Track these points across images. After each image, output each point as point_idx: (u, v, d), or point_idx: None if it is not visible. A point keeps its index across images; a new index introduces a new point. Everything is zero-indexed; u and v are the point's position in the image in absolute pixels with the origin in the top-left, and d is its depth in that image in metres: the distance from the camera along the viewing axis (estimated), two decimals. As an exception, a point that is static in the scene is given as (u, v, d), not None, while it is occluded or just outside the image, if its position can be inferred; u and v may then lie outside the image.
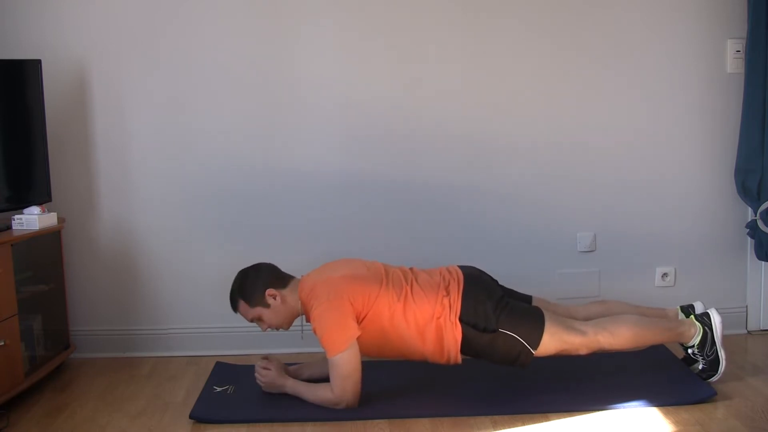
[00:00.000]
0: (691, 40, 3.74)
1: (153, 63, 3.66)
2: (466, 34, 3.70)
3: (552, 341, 2.99)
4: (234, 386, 3.30)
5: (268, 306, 3.09)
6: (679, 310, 3.27)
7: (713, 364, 3.14)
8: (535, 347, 2.98)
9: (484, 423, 2.90)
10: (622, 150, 3.79)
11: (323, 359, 3.08)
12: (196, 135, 3.70)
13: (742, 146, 3.68)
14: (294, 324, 3.18)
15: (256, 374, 3.19)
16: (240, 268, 3.17)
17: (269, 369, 3.17)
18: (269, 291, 3.08)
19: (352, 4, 3.66)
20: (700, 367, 3.17)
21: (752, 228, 3.73)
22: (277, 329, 3.15)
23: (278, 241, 3.71)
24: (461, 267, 3.17)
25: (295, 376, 3.21)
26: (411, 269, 3.17)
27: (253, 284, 3.10)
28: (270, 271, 3.16)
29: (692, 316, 3.19)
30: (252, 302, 3.09)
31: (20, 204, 3.40)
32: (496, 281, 3.17)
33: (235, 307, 3.14)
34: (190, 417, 3.01)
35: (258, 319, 3.12)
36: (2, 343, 3.06)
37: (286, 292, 3.11)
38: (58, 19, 3.61)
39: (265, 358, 3.23)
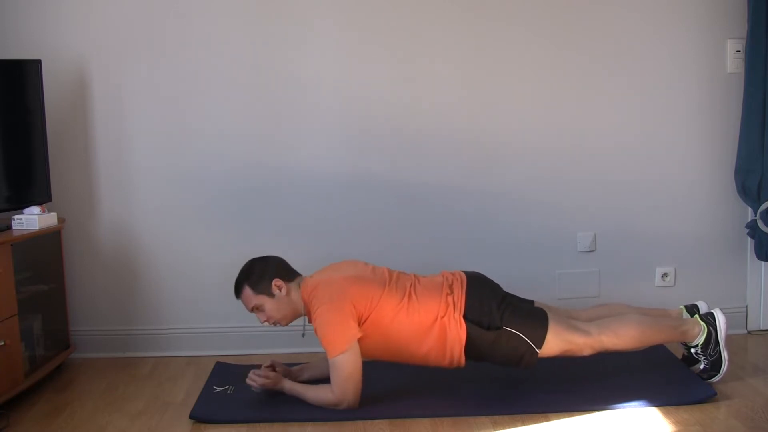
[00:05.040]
0: (691, 40, 3.74)
1: (153, 63, 3.66)
2: (467, 35, 3.70)
3: (556, 341, 2.99)
4: (234, 386, 3.29)
5: (272, 296, 3.08)
6: (684, 310, 3.27)
7: (716, 364, 3.14)
8: (540, 346, 2.98)
9: (484, 423, 2.90)
10: (622, 150, 3.79)
11: (323, 359, 3.08)
12: (196, 135, 3.70)
13: (742, 146, 3.68)
14: (296, 323, 3.17)
15: (248, 380, 3.12)
16: (240, 268, 3.17)
17: (268, 376, 3.12)
18: (276, 281, 3.07)
19: (353, 4, 3.66)
20: (702, 367, 3.17)
21: (752, 228, 3.73)
22: (275, 324, 3.13)
23: (279, 241, 3.71)
24: (464, 271, 3.17)
25: (296, 377, 3.21)
26: (414, 274, 3.17)
27: (262, 271, 3.09)
28: (279, 262, 3.16)
29: (696, 316, 3.19)
30: (257, 289, 3.07)
31: (20, 204, 3.40)
32: (498, 285, 3.16)
33: (239, 291, 3.11)
34: (190, 417, 3.01)
35: (259, 309, 3.10)
36: (2, 343, 3.06)
37: (291, 285, 3.11)
38: (58, 19, 3.61)
39: (269, 366, 3.20)
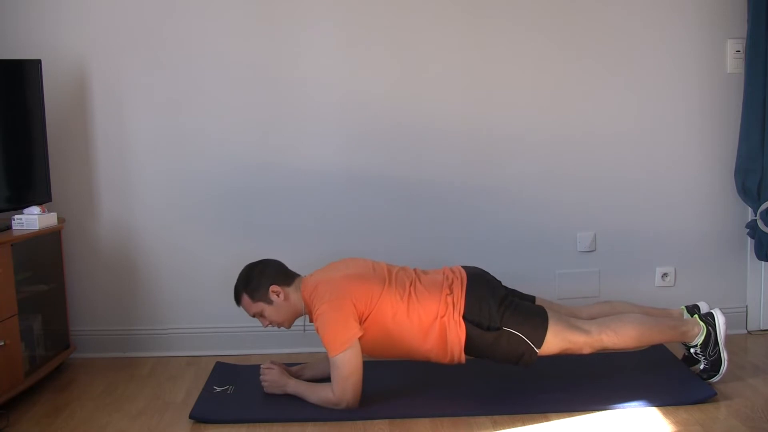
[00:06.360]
0: (691, 40, 3.74)
1: (153, 63, 3.66)
2: (467, 33, 3.70)
3: (556, 340, 2.99)
4: (234, 386, 3.30)
5: (270, 302, 3.09)
6: (684, 310, 3.27)
7: (715, 364, 3.14)
8: (539, 346, 2.98)
9: (484, 423, 2.90)
10: (622, 150, 3.79)
11: (324, 359, 3.09)
12: (196, 135, 3.70)
13: (742, 146, 3.68)
14: (296, 323, 3.18)
15: (261, 376, 3.20)
16: (240, 268, 3.17)
17: (272, 368, 3.18)
18: (273, 287, 3.08)
19: (353, 3, 3.66)
20: (702, 367, 3.17)
21: (752, 228, 3.73)
22: (278, 327, 3.15)
23: (279, 240, 3.71)
24: (464, 267, 3.17)
25: (297, 377, 3.22)
26: (415, 270, 3.17)
27: (258, 279, 3.10)
28: (276, 267, 3.16)
29: (696, 316, 3.19)
30: (255, 297, 3.09)
31: (20, 204, 3.40)
32: (500, 281, 3.17)
33: (238, 300, 3.14)
34: (190, 417, 3.01)
35: (259, 315, 3.12)
36: (2, 343, 3.06)
37: (290, 289, 3.11)
38: (58, 19, 3.61)
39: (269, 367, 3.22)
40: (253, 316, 3.14)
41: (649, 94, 3.76)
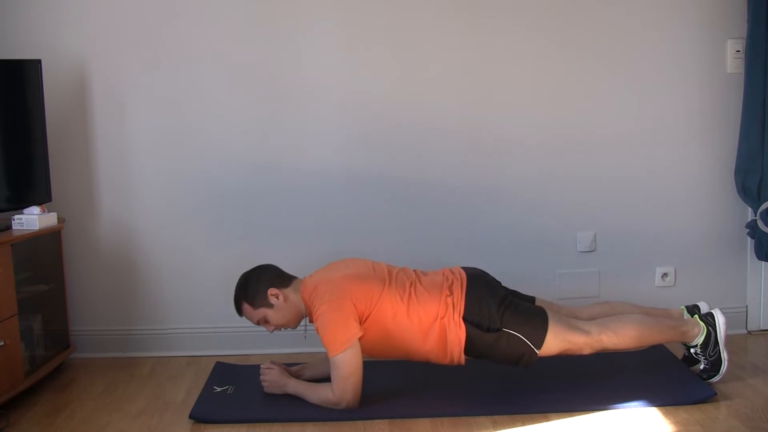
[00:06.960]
0: (691, 40, 3.74)
1: (153, 63, 3.66)
2: (467, 33, 3.70)
3: (556, 341, 2.99)
4: (234, 386, 3.30)
5: (271, 306, 3.09)
6: (684, 310, 3.27)
7: (715, 364, 3.14)
8: (539, 347, 2.98)
9: (484, 423, 2.90)
10: (622, 150, 3.79)
11: (324, 359, 3.09)
12: (196, 135, 3.70)
13: (742, 146, 3.68)
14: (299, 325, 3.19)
15: (261, 376, 3.20)
16: (240, 268, 3.18)
17: (272, 368, 3.18)
18: (271, 290, 3.08)
19: (353, 3, 3.66)
20: (702, 367, 3.17)
21: (752, 228, 3.73)
22: (284, 329, 3.15)
23: (279, 241, 3.71)
24: (464, 268, 3.17)
25: (297, 377, 3.22)
26: (415, 271, 3.17)
27: (256, 285, 3.10)
28: (272, 271, 3.16)
29: (696, 316, 3.19)
30: (255, 304, 3.09)
31: (20, 204, 3.40)
32: (500, 282, 3.17)
33: (239, 310, 3.14)
34: (190, 417, 3.02)
35: (264, 321, 3.12)
36: (2, 343, 3.06)
37: (288, 291, 3.11)
38: (58, 19, 3.61)
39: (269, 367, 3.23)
40: (258, 323, 3.14)
41: (649, 94, 3.77)
